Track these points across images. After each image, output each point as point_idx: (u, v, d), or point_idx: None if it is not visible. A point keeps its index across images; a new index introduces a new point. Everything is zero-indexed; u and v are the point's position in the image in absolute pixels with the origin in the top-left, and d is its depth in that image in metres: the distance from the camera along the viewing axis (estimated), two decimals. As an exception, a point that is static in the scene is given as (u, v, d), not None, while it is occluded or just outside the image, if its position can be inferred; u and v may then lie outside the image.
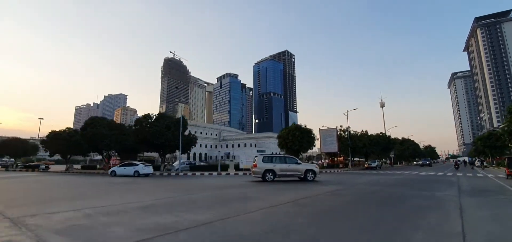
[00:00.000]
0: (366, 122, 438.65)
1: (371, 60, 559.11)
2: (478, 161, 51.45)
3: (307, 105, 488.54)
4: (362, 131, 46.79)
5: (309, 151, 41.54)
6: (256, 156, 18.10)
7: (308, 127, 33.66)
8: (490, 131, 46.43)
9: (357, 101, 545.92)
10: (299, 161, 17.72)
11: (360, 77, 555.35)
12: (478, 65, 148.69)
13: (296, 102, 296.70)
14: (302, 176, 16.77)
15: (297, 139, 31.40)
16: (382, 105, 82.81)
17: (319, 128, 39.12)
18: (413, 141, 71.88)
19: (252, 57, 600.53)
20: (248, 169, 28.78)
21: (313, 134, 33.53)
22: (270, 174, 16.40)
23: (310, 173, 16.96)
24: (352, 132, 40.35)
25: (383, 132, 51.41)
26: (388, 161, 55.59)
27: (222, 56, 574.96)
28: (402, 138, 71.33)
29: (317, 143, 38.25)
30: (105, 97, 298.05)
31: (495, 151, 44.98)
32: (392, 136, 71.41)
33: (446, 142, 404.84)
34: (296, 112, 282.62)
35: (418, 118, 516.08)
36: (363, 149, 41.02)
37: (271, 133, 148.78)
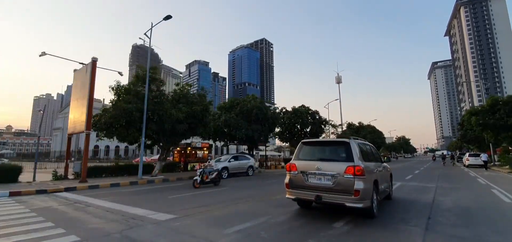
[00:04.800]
0: (350, 118, 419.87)
1: (354, 51, 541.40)
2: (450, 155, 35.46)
3: (286, 97, 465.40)
4: (261, 96, 23.12)
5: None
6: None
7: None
8: (494, 97, 22.89)
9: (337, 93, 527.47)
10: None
11: (341, 68, 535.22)
12: (461, 49, 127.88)
13: (274, 94, 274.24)
14: None
15: None
16: (339, 80, 59.71)
17: (74, 70, 14.34)
18: (373, 127, 48.68)
19: (229, 47, 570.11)
20: None
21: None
22: None
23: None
24: (187, 88, 15.51)
25: (312, 108, 27.58)
26: None
27: (199, 46, 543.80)
28: (359, 123, 48.24)
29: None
30: (68, 86, 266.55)
31: (505, 134, 21.33)
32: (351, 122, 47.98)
33: (425, 136, 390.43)
34: (273, 104, 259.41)
35: (398, 112, 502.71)
36: (220, 130, 17.77)
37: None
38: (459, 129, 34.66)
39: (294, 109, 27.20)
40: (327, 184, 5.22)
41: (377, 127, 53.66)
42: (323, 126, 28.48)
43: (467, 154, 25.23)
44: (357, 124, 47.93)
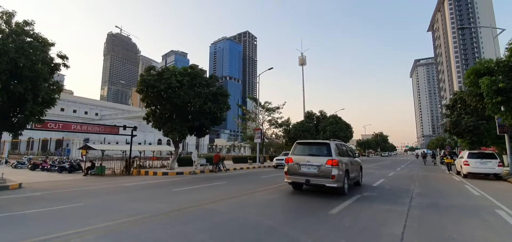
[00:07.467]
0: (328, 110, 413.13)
1: (341, 50, 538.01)
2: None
3: (269, 92, 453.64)
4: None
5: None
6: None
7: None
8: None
9: (325, 92, 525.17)
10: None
11: (328, 66, 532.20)
12: (444, 44, 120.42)
13: (257, 89, 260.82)
14: None
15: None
16: (302, 62, 48.44)
17: None
18: (338, 118, 37.28)
19: (211, 38, 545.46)
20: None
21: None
22: None
23: None
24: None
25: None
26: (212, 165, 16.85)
27: (179, 37, 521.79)
28: (320, 112, 36.96)
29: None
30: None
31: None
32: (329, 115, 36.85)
33: (406, 135, 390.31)
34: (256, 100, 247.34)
35: (379, 109, 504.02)
36: None
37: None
38: (447, 115, 23.69)
39: (163, 69, 15.24)
40: (313, 171, 7.68)
41: (350, 121, 42.55)
42: (224, 104, 16.44)
43: (466, 153, 14.01)
44: (319, 113, 36.70)
